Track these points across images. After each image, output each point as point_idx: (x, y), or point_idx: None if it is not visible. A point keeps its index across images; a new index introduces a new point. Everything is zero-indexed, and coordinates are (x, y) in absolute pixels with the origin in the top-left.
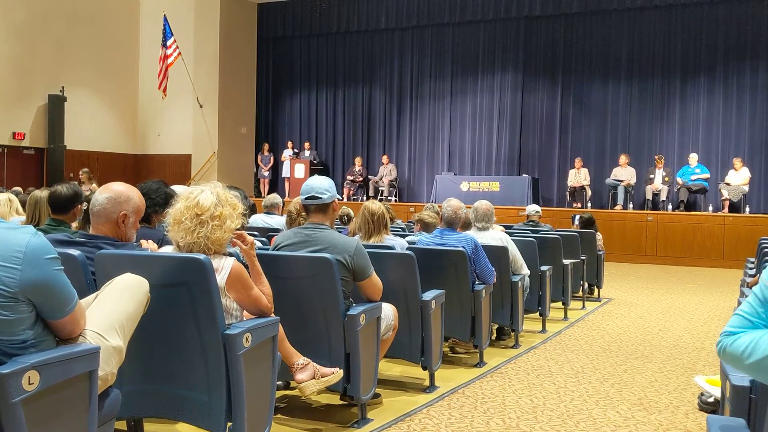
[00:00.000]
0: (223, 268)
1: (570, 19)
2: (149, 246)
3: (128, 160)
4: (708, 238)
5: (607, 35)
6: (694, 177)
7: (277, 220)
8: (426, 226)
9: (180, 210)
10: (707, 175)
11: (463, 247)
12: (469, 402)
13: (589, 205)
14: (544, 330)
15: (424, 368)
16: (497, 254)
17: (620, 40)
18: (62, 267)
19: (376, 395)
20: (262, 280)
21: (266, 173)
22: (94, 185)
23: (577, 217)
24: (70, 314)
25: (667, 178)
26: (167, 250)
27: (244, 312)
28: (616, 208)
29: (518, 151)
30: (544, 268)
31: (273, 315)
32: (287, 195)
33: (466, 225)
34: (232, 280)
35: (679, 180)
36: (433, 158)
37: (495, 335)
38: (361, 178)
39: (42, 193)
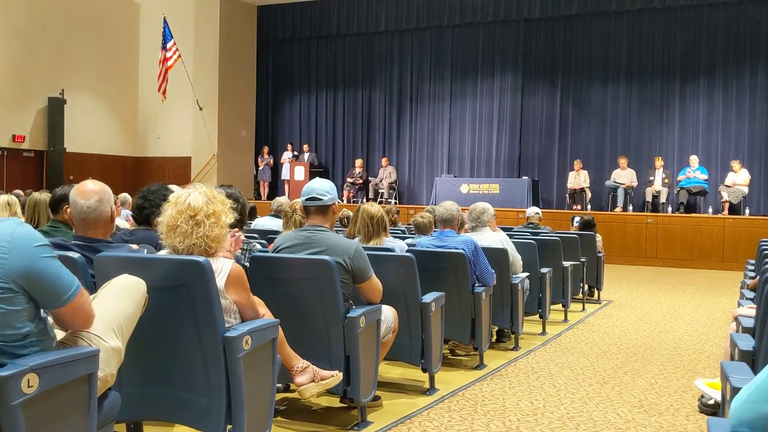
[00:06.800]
0: (223, 270)
1: (569, 21)
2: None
3: (128, 163)
4: (708, 240)
5: (607, 37)
6: (690, 175)
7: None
8: (419, 228)
9: (172, 216)
10: (705, 176)
11: (463, 249)
12: (469, 404)
13: (588, 207)
14: (544, 332)
15: (424, 371)
16: (497, 256)
17: (620, 42)
18: (54, 255)
19: (376, 398)
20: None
21: (266, 175)
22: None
23: (577, 218)
24: (70, 303)
25: (666, 180)
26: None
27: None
28: (615, 210)
29: (518, 153)
30: (544, 270)
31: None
32: (287, 197)
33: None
34: (231, 282)
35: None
36: (432, 160)
37: (495, 337)
38: (361, 181)
39: (41, 196)
